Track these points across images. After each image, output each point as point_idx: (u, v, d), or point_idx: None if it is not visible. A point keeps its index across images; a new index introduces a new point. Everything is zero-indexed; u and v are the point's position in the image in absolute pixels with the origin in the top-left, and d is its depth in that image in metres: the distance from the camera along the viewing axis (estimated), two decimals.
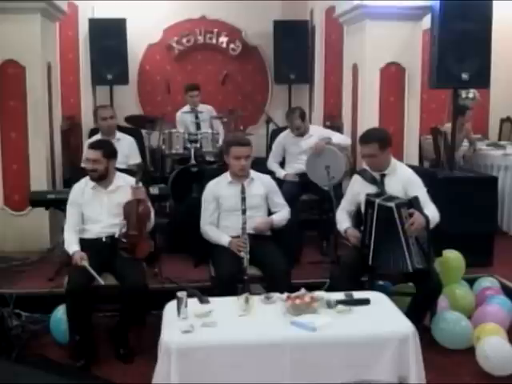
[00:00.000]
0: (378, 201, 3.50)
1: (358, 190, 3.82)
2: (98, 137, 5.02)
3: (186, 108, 6.39)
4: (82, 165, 4.87)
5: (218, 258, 3.72)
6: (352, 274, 3.57)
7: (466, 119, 6.17)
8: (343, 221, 3.84)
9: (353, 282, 3.46)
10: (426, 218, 3.42)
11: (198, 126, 6.22)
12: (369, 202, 3.56)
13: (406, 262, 3.44)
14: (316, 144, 5.03)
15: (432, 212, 3.55)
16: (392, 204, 3.41)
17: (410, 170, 3.80)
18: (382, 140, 3.66)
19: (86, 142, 5.11)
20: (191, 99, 6.34)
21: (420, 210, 3.43)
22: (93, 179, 3.73)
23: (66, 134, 6.08)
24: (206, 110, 6.43)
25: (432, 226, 3.50)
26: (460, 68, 4.69)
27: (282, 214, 3.95)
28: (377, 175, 3.74)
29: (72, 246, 3.63)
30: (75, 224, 3.73)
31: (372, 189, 3.70)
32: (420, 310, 3.56)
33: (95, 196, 3.74)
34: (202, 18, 7.36)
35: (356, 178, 3.88)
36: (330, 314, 2.88)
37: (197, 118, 6.27)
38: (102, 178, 3.72)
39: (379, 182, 3.71)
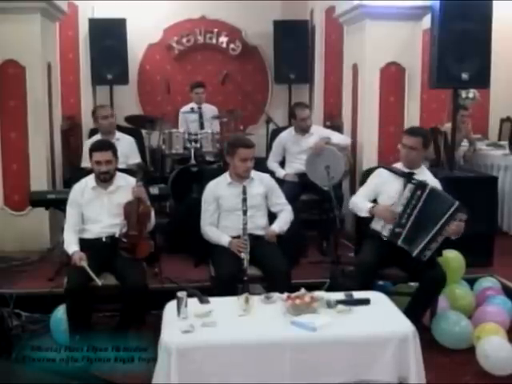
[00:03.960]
0: (430, 186, 3.59)
1: (384, 180, 3.85)
2: (97, 137, 5.02)
3: (187, 107, 6.40)
4: (82, 165, 4.89)
5: (218, 258, 3.72)
6: (368, 274, 3.58)
7: (460, 120, 6.15)
8: (364, 201, 3.84)
9: (368, 284, 3.46)
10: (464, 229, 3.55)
11: (202, 126, 6.24)
12: (420, 184, 3.61)
13: (418, 246, 3.54)
14: (315, 144, 5.03)
15: None
16: (456, 201, 3.53)
17: (436, 179, 3.89)
18: (427, 139, 3.83)
19: (86, 142, 5.13)
20: (197, 96, 6.39)
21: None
22: (105, 181, 3.72)
23: (66, 133, 6.09)
24: (211, 110, 6.45)
25: None
26: (460, 68, 4.68)
27: (283, 218, 3.91)
28: (405, 171, 3.79)
29: (71, 246, 3.63)
30: (75, 224, 3.73)
31: (399, 181, 3.74)
32: (421, 304, 3.58)
33: (95, 196, 3.74)
34: (201, 18, 7.36)
35: (381, 170, 3.93)
36: (330, 314, 2.88)
37: (201, 117, 6.29)
38: (111, 179, 3.74)
39: (408, 174, 3.74)
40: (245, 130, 6.86)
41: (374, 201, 3.88)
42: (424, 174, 3.83)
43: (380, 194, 3.85)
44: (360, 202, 3.86)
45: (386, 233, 3.67)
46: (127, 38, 6.70)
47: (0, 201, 5.20)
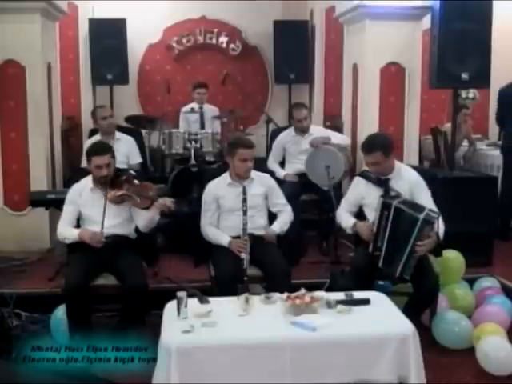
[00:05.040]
0: (395, 203, 3.49)
1: (362, 192, 3.82)
2: (97, 137, 5.04)
3: (188, 107, 6.40)
4: (83, 165, 4.89)
5: (218, 258, 3.72)
6: (364, 279, 3.55)
7: (461, 119, 6.16)
8: (348, 218, 3.83)
9: (365, 286, 3.43)
10: (438, 240, 3.47)
11: (203, 126, 6.24)
12: (385, 204, 3.54)
13: (397, 267, 3.48)
14: (313, 139, 5.04)
15: (440, 225, 3.57)
16: (420, 216, 3.39)
17: (415, 172, 3.82)
18: (386, 147, 3.66)
19: (87, 142, 5.13)
20: (198, 96, 6.39)
21: (437, 229, 3.46)
22: (105, 183, 3.68)
23: (65, 133, 6.08)
24: (212, 110, 6.45)
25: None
26: (460, 68, 4.68)
27: (283, 219, 3.93)
28: (381, 177, 3.75)
29: (71, 231, 3.66)
30: (70, 222, 3.73)
31: (378, 191, 3.70)
32: (415, 310, 3.55)
33: (94, 198, 3.74)
34: (201, 18, 7.37)
35: (358, 180, 3.89)
36: (330, 314, 2.89)
37: (202, 117, 6.29)
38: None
39: (385, 183, 3.71)
40: (245, 130, 6.87)
41: (360, 209, 3.87)
42: (400, 176, 3.74)
43: (364, 206, 3.84)
44: (344, 220, 3.85)
45: (370, 250, 3.65)
46: (127, 37, 6.70)
47: (0, 201, 5.20)
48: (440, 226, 3.52)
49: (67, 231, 3.69)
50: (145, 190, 3.66)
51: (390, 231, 3.52)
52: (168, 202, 3.65)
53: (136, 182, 3.72)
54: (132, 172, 3.83)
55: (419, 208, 3.49)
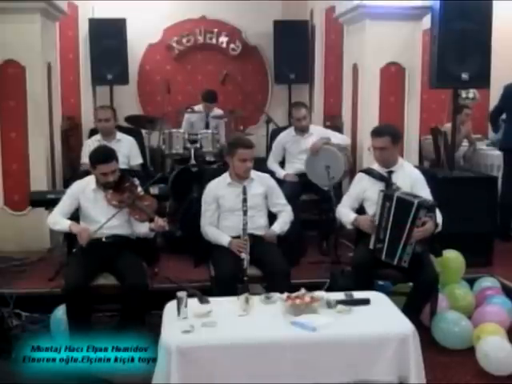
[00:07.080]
0: (397, 194, 3.55)
1: (364, 186, 3.86)
2: (97, 137, 5.05)
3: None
4: (82, 161, 4.91)
5: (218, 258, 3.72)
6: (365, 276, 3.57)
7: (463, 119, 6.17)
8: (348, 213, 3.85)
9: (366, 285, 3.44)
10: (436, 227, 3.52)
11: (207, 126, 6.24)
12: (387, 196, 3.58)
13: (395, 255, 3.52)
14: (313, 144, 5.03)
15: (438, 217, 3.61)
16: (415, 200, 3.46)
17: (417, 170, 3.89)
18: (395, 134, 3.80)
19: (87, 142, 5.14)
20: (208, 108, 6.30)
21: (435, 217, 3.50)
22: (110, 187, 3.70)
23: (65, 133, 6.08)
24: (217, 112, 6.43)
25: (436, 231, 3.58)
26: (460, 68, 4.69)
27: (283, 219, 3.93)
28: (384, 172, 3.76)
29: (65, 221, 3.68)
30: (65, 214, 3.74)
31: (380, 185, 3.74)
32: (414, 306, 3.56)
33: (95, 198, 3.74)
34: (201, 18, 7.37)
35: (361, 176, 3.93)
36: (330, 314, 2.89)
37: (207, 116, 6.27)
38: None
39: (387, 178, 3.75)
40: (245, 130, 6.87)
41: (361, 207, 3.89)
42: (403, 170, 3.83)
43: (364, 200, 3.87)
44: (344, 215, 3.87)
45: (371, 246, 3.67)
46: (127, 37, 6.69)
47: (0, 201, 5.20)
48: (438, 216, 3.59)
49: (60, 219, 3.71)
50: (145, 204, 3.66)
51: (392, 221, 3.55)
52: (161, 222, 3.62)
53: (139, 191, 3.73)
54: (136, 180, 3.82)
55: (417, 197, 3.55)
